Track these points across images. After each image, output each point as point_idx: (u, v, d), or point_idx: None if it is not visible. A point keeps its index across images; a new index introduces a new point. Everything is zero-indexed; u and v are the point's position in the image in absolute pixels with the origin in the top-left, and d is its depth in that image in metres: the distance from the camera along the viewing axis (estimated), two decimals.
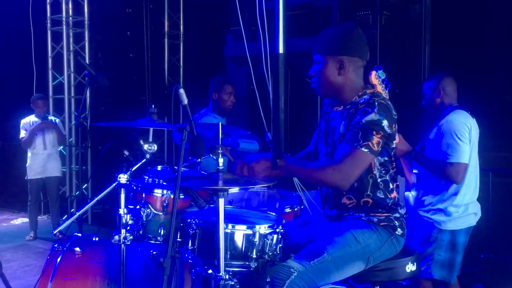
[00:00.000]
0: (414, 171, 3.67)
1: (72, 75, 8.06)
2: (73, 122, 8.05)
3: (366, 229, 2.55)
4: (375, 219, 2.58)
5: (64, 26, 7.91)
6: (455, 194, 3.52)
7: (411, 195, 3.72)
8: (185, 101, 2.30)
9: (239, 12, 6.02)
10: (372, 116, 2.42)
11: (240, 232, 2.50)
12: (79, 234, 3.18)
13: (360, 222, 2.59)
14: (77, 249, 3.01)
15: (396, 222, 2.61)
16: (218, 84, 4.68)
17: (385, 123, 2.44)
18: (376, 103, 2.45)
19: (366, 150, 2.42)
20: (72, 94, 8.11)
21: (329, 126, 2.70)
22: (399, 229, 2.61)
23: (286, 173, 2.55)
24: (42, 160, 6.77)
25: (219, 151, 2.54)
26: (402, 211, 2.66)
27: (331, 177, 2.43)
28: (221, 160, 2.53)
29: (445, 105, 3.60)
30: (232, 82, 6.58)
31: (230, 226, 2.48)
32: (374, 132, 2.42)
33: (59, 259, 2.99)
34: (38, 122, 6.66)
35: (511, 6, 5.09)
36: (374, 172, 2.58)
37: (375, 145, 2.43)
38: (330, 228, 2.63)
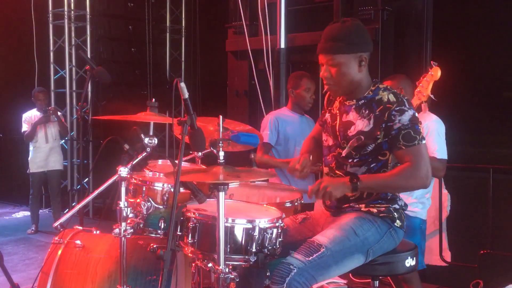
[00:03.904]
0: None
1: (73, 69, 8.07)
2: (75, 116, 8.07)
3: (364, 222, 2.57)
4: (375, 210, 2.60)
5: (66, 20, 7.90)
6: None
7: None
8: (186, 95, 2.30)
9: (240, 7, 6.05)
10: (410, 113, 2.51)
11: (240, 226, 2.50)
12: (80, 227, 3.20)
13: (359, 214, 2.60)
14: (78, 242, 3.02)
15: (395, 213, 2.63)
16: (295, 80, 4.34)
17: (416, 114, 2.56)
18: (404, 99, 2.55)
19: (424, 141, 2.54)
20: (74, 88, 8.13)
21: (339, 119, 2.72)
22: (398, 221, 2.62)
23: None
24: (44, 153, 6.79)
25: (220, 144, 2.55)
26: (401, 202, 2.69)
27: (413, 181, 2.52)
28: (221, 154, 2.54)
29: None
30: (235, 77, 6.59)
31: (230, 220, 2.49)
32: (419, 124, 2.54)
33: (59, 252, 3.00)
34: (40, 115, 6.68)
35: None
36: (388, 167, 2.61)
37: (423, 134, 2.56)
38: (331, 223, 2.64)
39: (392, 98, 2.55)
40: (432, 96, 3.45)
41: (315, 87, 4.39)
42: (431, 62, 3.42)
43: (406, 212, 3.52)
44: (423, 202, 3.75)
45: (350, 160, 2.63)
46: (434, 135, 3.60)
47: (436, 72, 3.39)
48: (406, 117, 2.49)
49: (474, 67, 5.18)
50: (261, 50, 5.81)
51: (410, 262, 2.65)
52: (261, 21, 5.83)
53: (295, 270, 2.35)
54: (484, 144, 5.27)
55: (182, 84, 2.29)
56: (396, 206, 2.65)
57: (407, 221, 3.56)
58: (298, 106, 4.38)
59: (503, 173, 4.82)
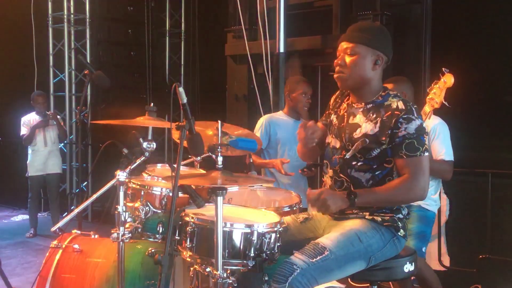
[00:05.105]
0: None
1: (73, 72, 8.08)
2: (74, 119, 8.07)
3: (369, 229, 2.57)
4: (379, 219, 2.60)
5: (66, 24, 7.92)
6: (436, 186, 3.89)
7: None
8: (184, 99, 2.30)
9: (240, 11, 6.05)
10: (417, 122, 2.52)
11: (238, 231, 2.50)
12: (78, 231, 3.20)
13: (364, 221, 2.60)
14: (76, 246, 3.02)
15: (399, 223, 2.62)
16: (292, 84, 4.42)
17: (424, 124, 2.57)
18: (413, 108, 2.55)
19: (427, 153, 2.54)
20: (73, 92, 8.14)
21: (346, 121, 2.72)
22: (401, 230, 2.63)
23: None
24: (43, 157, 6.78)
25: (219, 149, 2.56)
26: (405, 212, 2.68)
27: (410, 194, 2.54)
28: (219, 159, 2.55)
29: None
30: (234, 81, 6.57)
31: (228, 224, 2.49)
32: (424, 135, 2.54)
33: (57, 256, 3.00)
34: (39, 119, 6.68)
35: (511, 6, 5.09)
36: (394, 176, 2.62)
37: (427, 146, 2.56)
38: (333, 226, 2.65)
39: (401, 105, 2.55)
40: (446, 103, 3.46)
41: (311, 92, 4.43)
42: (443, 69, 3.44)
43: (421, 205, 3.72)
44: (435, 200, 3.87)
45: (354, 163, 2.63)
46: (441, 137, 3.68)
47: (449, 79, 3.42)
48: (412, 126, 2.50)
49: (473, 71, 5.17)
50: (260, 54, 5.81)
51: (408, 267, 2.65)
52: (261, 25, 5.83)
53: (298, 271, 2.35)
54: (483, 148, 5.26)
55: (181, 89, 2.29)
56: (400, 215, 2.65)
57: (424, 212, 3.76)
58: (294, 110, 4.41)
59: (502, 178, 4.82)
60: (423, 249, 3.82)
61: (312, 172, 4.10)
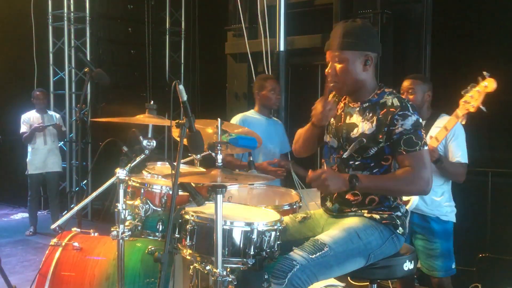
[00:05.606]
0: None
1: (73, 71, 8.08)
2: (74, 117, 8.07)
3: (367, 227, 2.57)
4: (378, 217, 2.60)
5: (66, 22, 7.92)
6: (449, 190, 3.82)
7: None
8: (184, 97, 2.30)
9: (240, 10, 6.05)
10: (413, 118, 2.52)
11: (238, 229, 2.50)
12: (78, 229, 3.20)
13: (362, 219, 2.61)
14: (76, 244, 3.02)
15: (398, 220, 2.62)
16: (261, 82, 4.48)
17: (420, 120, 2.57)
18: (408, 104, 2.55)
19: (426, 147, 2.55)
20: (73, 90, 8.14)
21: (343, 121, 2.72)
22: (400, 228, 2.62)
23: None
24: (42, 155, 6.79)
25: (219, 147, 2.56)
26: (403, 209, 2.69)
27: (412, 186, 2.54)
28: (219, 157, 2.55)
29: (429, 109, 3.81)
30: (234, 79, 6.57)
31: (228, 222, 2.49)
32: (422, 129, 2.55)
33: (57, 254, 3.00)
34: (39, 117, 6.68)
35: None
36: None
37: (425, 140, 2.56)
38: (332, 224, 2.65)
39: (396, 102, 2.56)
40: (483, 108, 3.32)
41: (280, 88, 4.56)
42: (484, 72, 3.29)
43: (440, 217, 3.68)
44: (451, 206, 3.78)
45: (351, 162, 2.64)
46: (459, 139, 3.67)
47: (491, 84, 3.27)
48: (409, 122, 2.51)
49: (473, 71, 5.17)
50: (260, 53, 5.81)
51: (408, 265, 2.65)
52: (261, 24, 5.83)
53: (298, 267, 2.35)
54: (483, 147, 5.26)
55: (181, 87, 2.29)
56: (399, 213, 2.65)
57: (443, 226, 3.70)
58: (265, 107, 4.47)
59: (502, 177, 4.81)
60: (453, 266, 3.75)
61: (284, 169, 4.08)
